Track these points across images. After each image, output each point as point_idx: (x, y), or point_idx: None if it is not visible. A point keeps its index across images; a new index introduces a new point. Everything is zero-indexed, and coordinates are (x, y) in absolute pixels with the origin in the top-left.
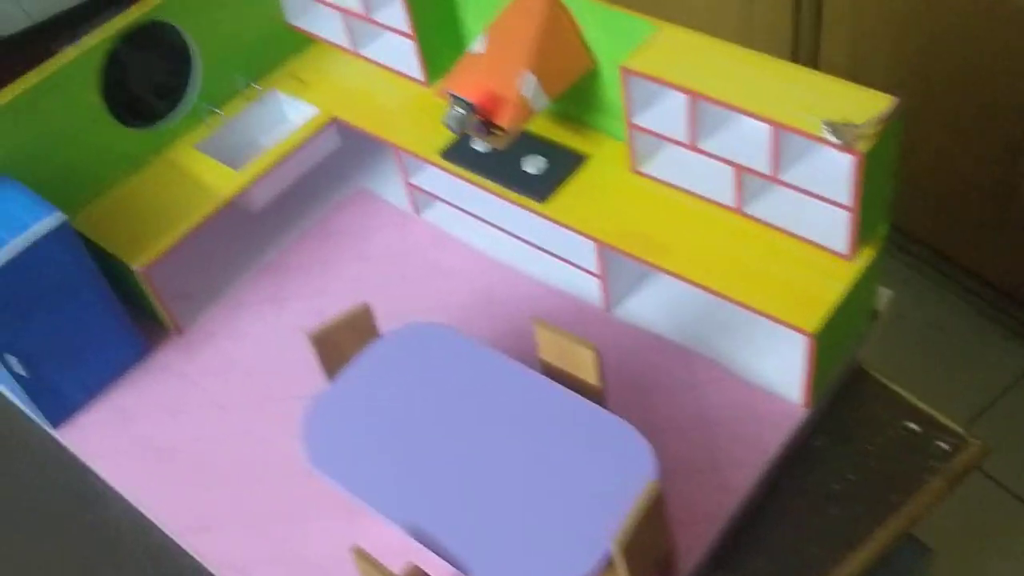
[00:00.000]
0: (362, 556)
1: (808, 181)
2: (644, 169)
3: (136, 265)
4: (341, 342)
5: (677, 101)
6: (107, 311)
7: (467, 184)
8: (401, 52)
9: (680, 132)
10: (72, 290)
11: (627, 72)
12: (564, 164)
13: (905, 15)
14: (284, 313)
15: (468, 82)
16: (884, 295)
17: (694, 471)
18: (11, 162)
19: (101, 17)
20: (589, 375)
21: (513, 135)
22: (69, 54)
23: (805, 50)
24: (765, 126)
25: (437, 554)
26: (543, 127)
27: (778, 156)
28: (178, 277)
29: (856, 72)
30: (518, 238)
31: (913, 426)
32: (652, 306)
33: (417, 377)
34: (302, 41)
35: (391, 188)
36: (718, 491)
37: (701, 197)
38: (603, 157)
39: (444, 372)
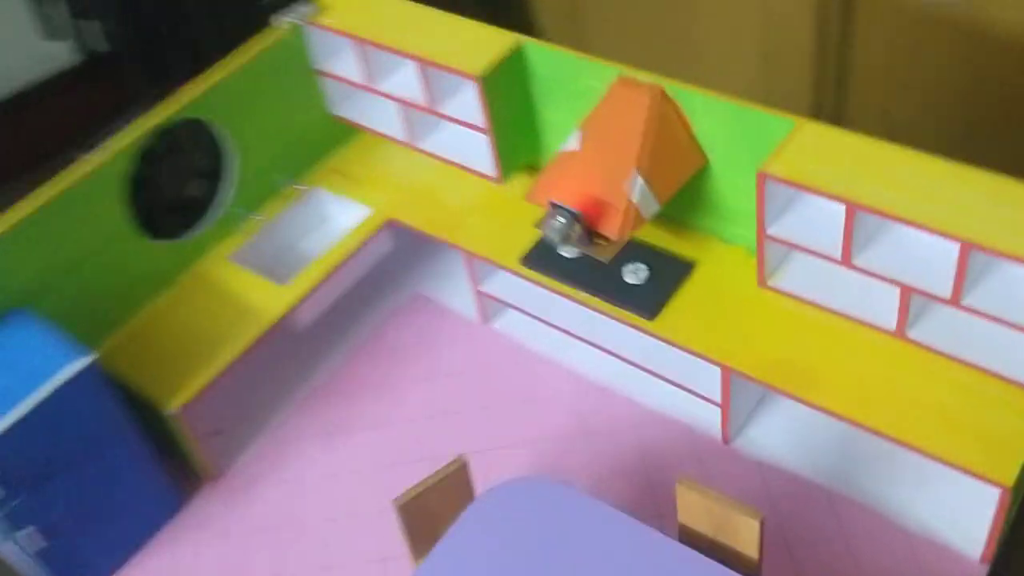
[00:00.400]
0: None
1: (996, 306)
2: (777, 284)
3: (170, 409)
4: (432, 508)
5: (824, 209)
6: (138, 463)
7: (549, 294)
8: (469, 145)
9: (830, 245)
10: (99, 443)
11: (767, 178)
12: (670, 273)
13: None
14: (340, 451)
15: (568, 187)
16: None
17: None
18: (26, 291)
19: (116, 120)
20: (747, 546)
21: (619, 246)
22: (90, 163)
23: (827, 110)
24: (939, 240)
25: None
26: (643, 231)
27: (963, 277)
28: (211, 410)
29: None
30: (619, 358)
31: None
32: (779, 436)
33: (525, 550)
34: (346, 132)
35: (452, 293)
36: None
37: (850, 317)
38: (714, 264)
39: (560, 544)
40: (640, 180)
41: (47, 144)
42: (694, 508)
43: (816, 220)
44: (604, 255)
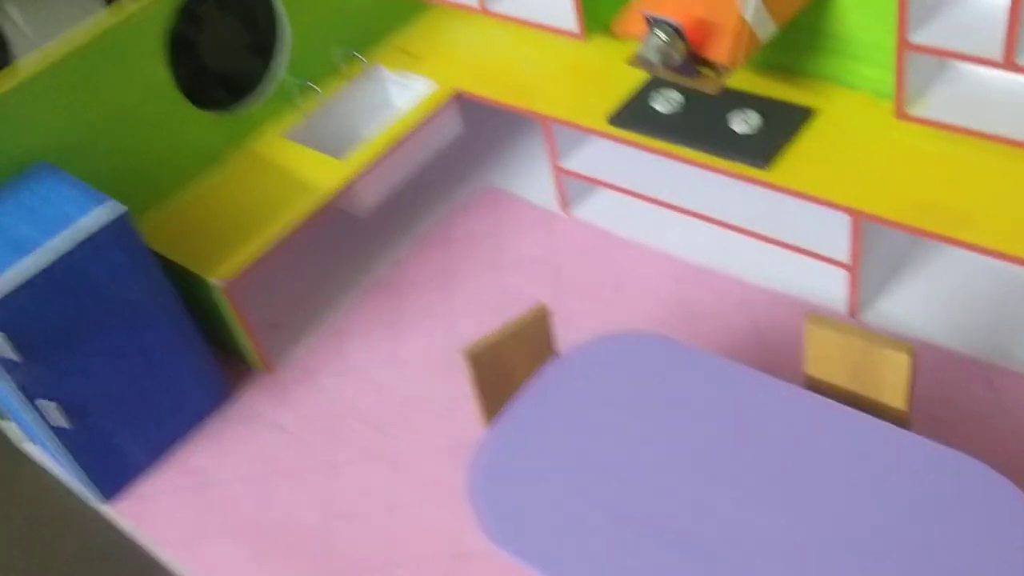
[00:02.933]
0: None
1: None
2: (921, 112)
3: (215, 279)
4: (508, 364)
5: (978, 6)
6: (180, 340)
7: (644, 160)
8: (547, 2)
9: (988, 46)
10: (133, 309)
11: None
12: (785, 120)
13: None
14: (403, 342)
15: (667, 4)
16: None
17: None
18: (53, 148)
19: None
20: (892, 394)
21: (729, 73)
22: (128, 7)
23: None
24: None
25: None
26: (750, 78)
27: None
28: (267, 302)
29: None
30: (726, 226)
31: None
32: (915, 307)
33: (626, 409)
34: (411, 9)
35: (530, 183)
36: None
37: (1010, 140)
38: (837, 110)
39: (669, 401)
40: None
41: None
42: (826, 348)
43: (967, 22)
44: (711, 87)
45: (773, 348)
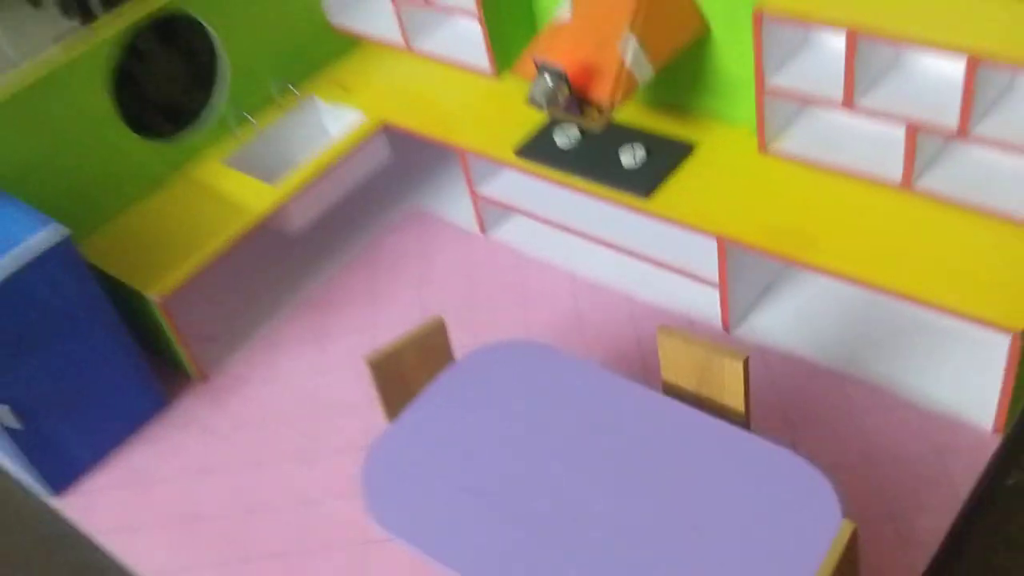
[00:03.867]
0: None
1: (1009, 135)
2: (779, 146)
3: (152, 294)
4: (408, 369)
5: (825, 50)
6: (119, 351)
7: (548, 188)
8: (464, 42)
9: (832, 88)
10: (76, 323)
11: (764, 15)
12: (668, 154)
13: None
14: (328, 353)
15: (556, 49)
16: None
17: (872, 518)
18: (3, 175)
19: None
20: (731, 395)
21: (610, 113)
22: (75, 47)
23: None
24: (956, 66)
25: None
26: (639, 115)
27: (971, 101)
28: (202, 316)
29: None
30: (616, 248)
31: None
32: (783, 322)
33: (510, 408)
34: (345, 45)
35: (451, 206)
36: (903, 544)
37: (856, 174)
38: (715, 144)
39: (546, 401)
40: (634, 40)
41: None
42: (676, 356)
43: (818, 66)
44: (596, 125)
45: (650, 356)
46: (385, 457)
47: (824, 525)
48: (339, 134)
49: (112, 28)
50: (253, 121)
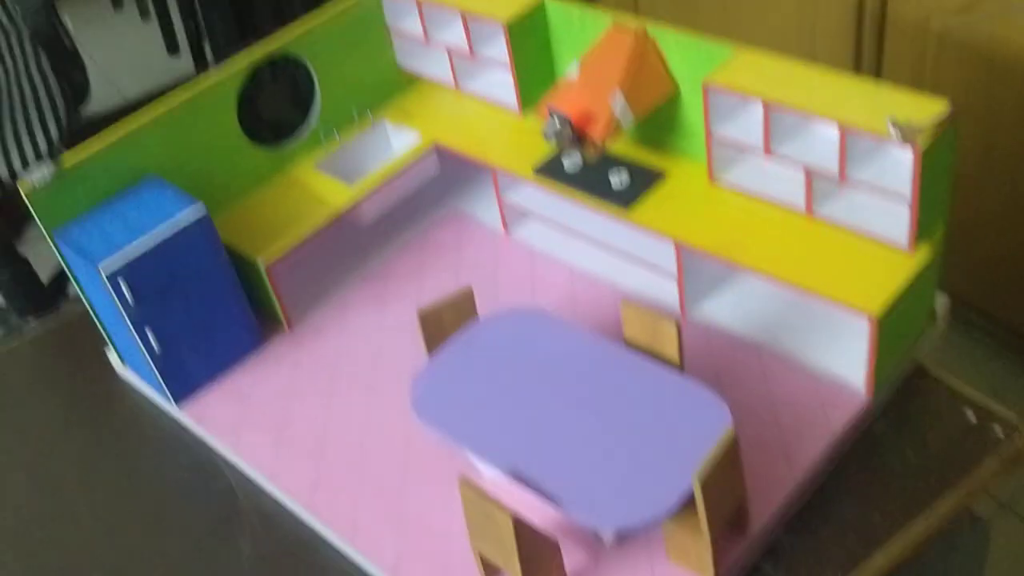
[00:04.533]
0: (467, 485)
1: (873, 180)
2: (722, 179)
3: (262, 260)
4: (445, 321)
5: (753, 113)
6: (233, 299)
7: (557, 200)
8: (499, 86)
9: (756, 141)
10: (206, 277)
11: (709, 87)
12: (645, 179)
13: (970, 51)
14: (386, 312)
15: (565, 100)
16: (941, 301)
17: (764, 446)
18: (159, 167)
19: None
20: (670, 349)
21: (602, 148)
22: (213, 77)
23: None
24: (834, 131)
25: (532, 492)
26: (626, 149)
27: (845, 157)
28: (292, 279)
29: None
30: (602, 245)
31: (970, 415)
32: (727, 308)
33: (514, 351)
34: (409, 81)
35: (484, 209)
36: (786, 464)
37: (775, 202)
38: (681, 173)
39: (539, 346)
40: (621, 97)
41: None
42: (632, 322)
43: (748, 123)
44: (591, 156)
45: (620, 325)
46: (426, 380)
47: (716, 433)
48: (401, 149)
49: (242, 65)
50: (338, 136)
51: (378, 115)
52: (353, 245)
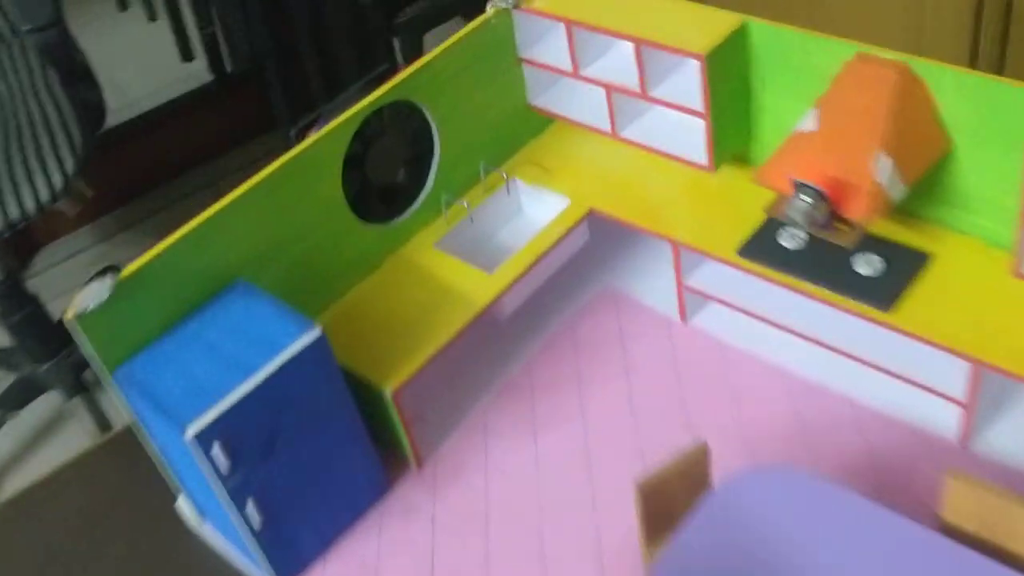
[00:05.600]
0: None
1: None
2: None
3: (387, 388)
4: (670, 493)
5: None
6: (353, 440)
7: (762, 287)
8: (678, 132)
9: None
10: (321, 417)
11: None
12: (904, 264)
13: None
14: (541, 443)
15: (808, 166)
16: None
17: None
18: (247, 263)
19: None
20: (1022, 543)
21: (862, 231)
22: (312, 140)
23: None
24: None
25: None
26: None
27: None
28: (418, 401)
29: None
30: (844, 354)
31: None
32: (1021, 438)
33: (777, 548)
34: (541, 124)
35: (648, 288)
36: None
37: None
38: (951, 256)
39: (814, 535)
40: (887, 160)
41: (186, 153)
42: (962, 501)
43: None
44: (847, 241)
45: (884, 472)
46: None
47: None
48: (540, 216)
49: (349, 119)
50: (466, 204)
51: (507, 170)
52: (488, 345)
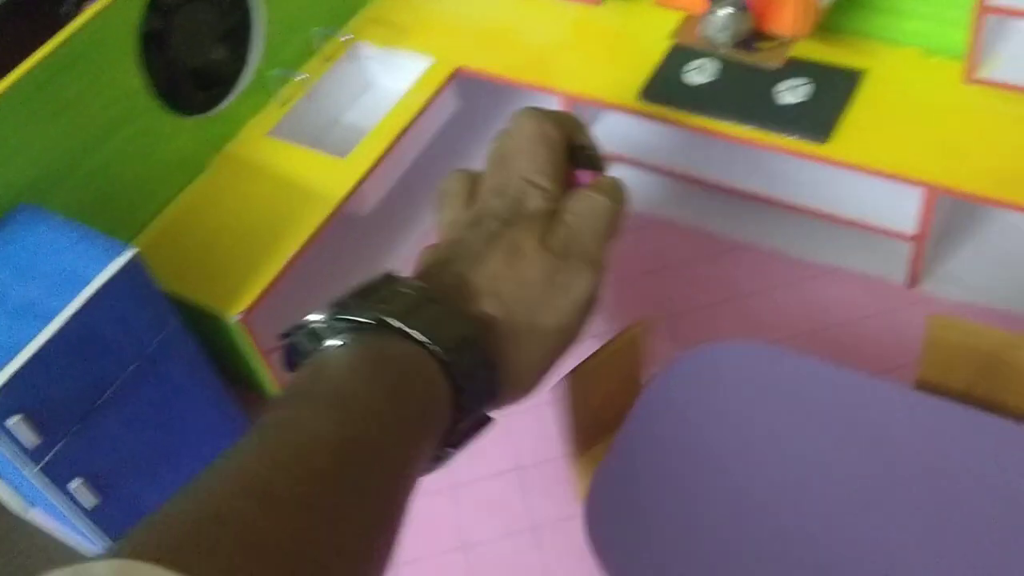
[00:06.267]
0: None
1: None
2: (989, 73)
3: (232, 315)
4: (603, 388)
5: None
6: (199, 386)
7: (674, 138)
8: None
9: None
10: (150, 361)
11: None
12: (834, 86)
13: None
14: None
15: None
16: None
17: None
18: (32, 182)
19: None
20: (1017, 394)
21: (792, 44)
22: (92, 11)
23: None
24: None
25: None
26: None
27: None
28: (274, 317)
29: None
30: (775, 203)
31: None
32: (977, 271)
33: (739, 429)
34: None
35: None
36: None
37: None
38: (886, 72)
39: (782, 410)
40: None
41: None
42: (950, 351)
43: None
44: (774, 60)
45: (838, 325)
46: (606, 498)
47: None
48: (400, 86)
49: None
50: (298, 77)
51: (349, 33)
52: (352, 246)
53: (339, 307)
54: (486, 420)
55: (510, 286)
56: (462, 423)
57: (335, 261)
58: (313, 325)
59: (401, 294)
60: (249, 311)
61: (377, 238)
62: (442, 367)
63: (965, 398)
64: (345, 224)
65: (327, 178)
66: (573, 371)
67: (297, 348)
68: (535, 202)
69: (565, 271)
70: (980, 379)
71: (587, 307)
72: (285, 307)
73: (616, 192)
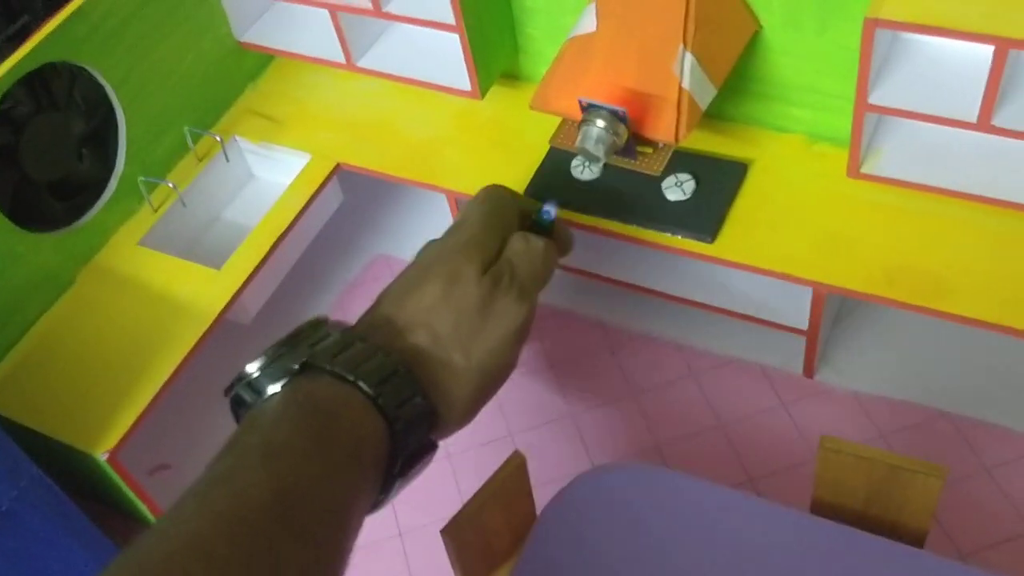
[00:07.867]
0: None
1: None
2: (876, 170)
3: (101, 452)
4: (489, 526)
5: (941, 65)
6: (64, 532)
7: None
8: (428, 55)
9: (960, 107)
10: (9, 516)
11: (877, 25)
12: (720, 180)
13: None
14: None
15: (594, 82)
16: None
17: None
18: None
19: None
20: (915, 513)
21: (669, 152)
22: None
23: None
24: None
25: None
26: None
27: None
28: (150, 438)
29: None
30: (668, 297)
31: None
32: (870, 360)
33: (628, 554)
34: (258, 64)
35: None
36: None
37: (983, 199)
38: (772, 161)
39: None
40: (691, 58)
41: None
42: (843, 472)
43: (925, 79)
44: (653, 168)
45: (734, 419)
46: None
47: None
48: (278, 182)
49: None
50: (171, 185)
51: (223, 129)
52: (237, 355)
53: (272, 355)
54: (430, 447)
55: (444, 316)
56: (401, 454)
57: (222, 372)
58: (250, 376)
59: (328, 336)
60: (118, 447)
61: (264, 341)
62: (371, 402)
63: (861, 518)
64: (228, 333)
65: (203, 289)
66: (454, 520)
67: (240, 399)
68: (480, 239)
69: (502, 300)
70: (874, 499)
71: (521, 336)
72: (163, 430)
73: (562, 240)
